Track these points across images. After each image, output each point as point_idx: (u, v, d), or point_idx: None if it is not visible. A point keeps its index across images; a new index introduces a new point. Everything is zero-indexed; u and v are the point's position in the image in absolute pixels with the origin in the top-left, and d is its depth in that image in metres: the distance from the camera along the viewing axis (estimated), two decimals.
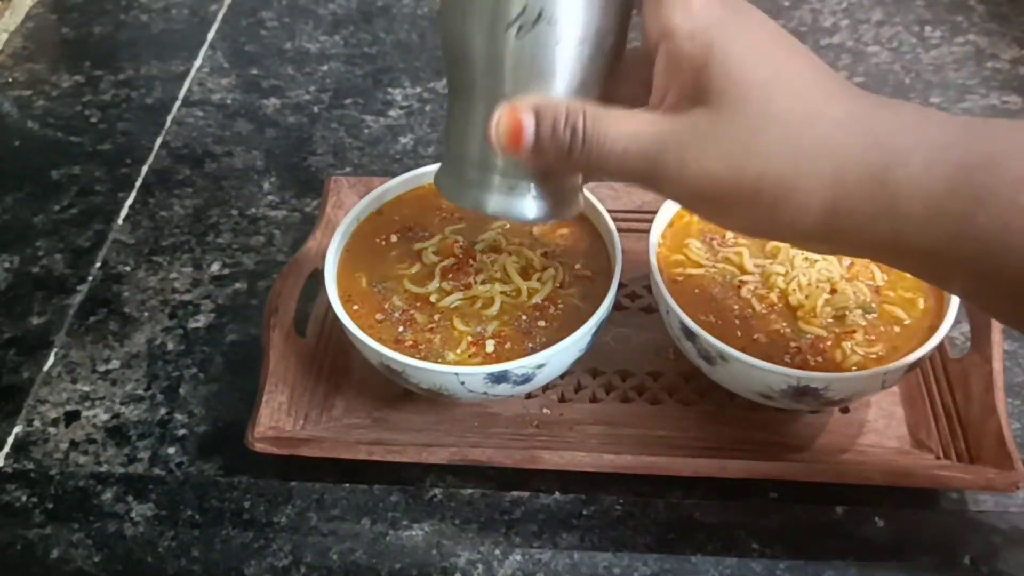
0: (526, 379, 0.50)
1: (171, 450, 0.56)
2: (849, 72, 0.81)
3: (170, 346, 0.62)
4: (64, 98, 0.83)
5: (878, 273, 0.54)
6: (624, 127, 0.37)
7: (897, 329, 0.52)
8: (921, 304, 0.53)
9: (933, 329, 0.50)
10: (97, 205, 0.72)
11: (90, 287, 0.66)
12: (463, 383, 0.50)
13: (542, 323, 0.52)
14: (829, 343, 0.51)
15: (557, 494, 0.52)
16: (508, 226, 0.58)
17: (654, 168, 0.37)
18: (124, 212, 0.72)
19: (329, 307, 0.53)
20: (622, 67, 0.42)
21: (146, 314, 0.64)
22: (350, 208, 0.58)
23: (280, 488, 0.53)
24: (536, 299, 0.53)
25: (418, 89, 0.82)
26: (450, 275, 0.54)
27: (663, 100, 0.38)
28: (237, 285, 0.66)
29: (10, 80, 0.85)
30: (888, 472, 0.50)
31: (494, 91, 0.40)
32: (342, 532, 0.51)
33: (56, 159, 0.77)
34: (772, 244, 0.56)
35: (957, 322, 0.51)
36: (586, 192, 0.57)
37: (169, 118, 0.80)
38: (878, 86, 0.80)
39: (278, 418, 0.54)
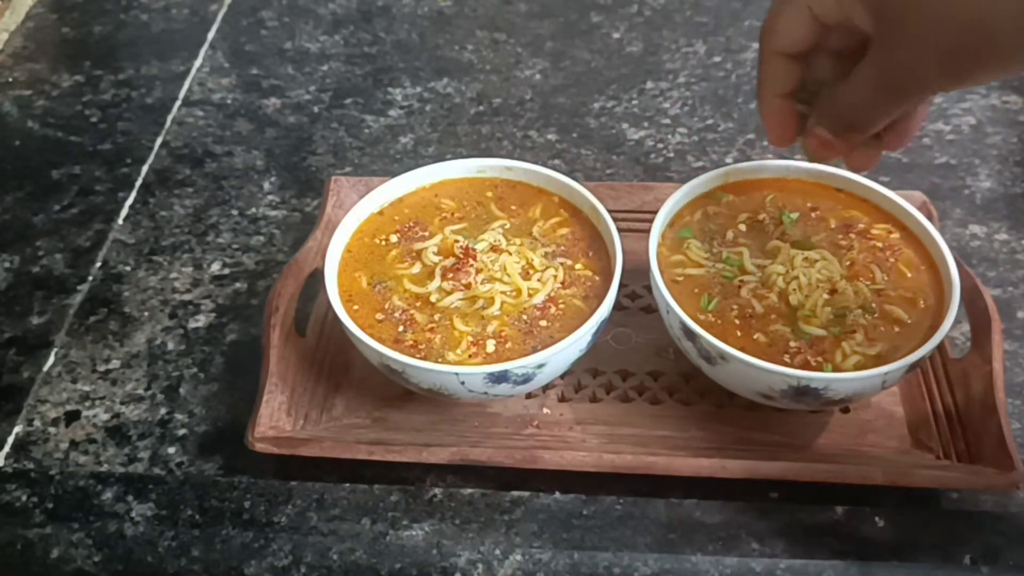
0: (526, 379, 0.50)
1: (171, 450, 0.56)
2: None
3: (170, 346, 0.62)
4: (64, 98, 0.83)
5: (878, 273, 0.54)
6: None
7: (897, 329, 0.52)
8: (921, 304, 0.53)
9: (933, 329, 0.50)
10: (97, 205, 0.72)
11: (90, 287, 0.66)
12: (463, 383, 0.50)
13: (543, 323, 0.52)
14: (829, 343, 0.51)
15: (557, 494, 0.52)
16: (508, 226, 0.58)
17: None
18: (124, 212, 0.72)
19: (329, 307, 0.53)
20: None
21: (146, 314, 0.64)
22: (350, 208, 0.58)
23: (280, 488, 0.53)
24: (536, 299, 0.53)
25: (418, 89, 0.82)
26: (450, 275, 0.54)
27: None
28: (237, 285, 0.66)
29: (10, 80, 0.85)
30: (888, 472, 0.50)
31: None
32: (342, 532, 0.51)
33: (56, 159, 0.77)
34: (772, 244, 0.56)
35: (957, 322, 0.51)
36: (586, 192, 0.58)
37: (169, 118, 0.80)
38: None
39: (278, 418, 0.54)
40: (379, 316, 0.53)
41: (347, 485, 0.53)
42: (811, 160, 0.50)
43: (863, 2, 0.39)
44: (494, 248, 0.55)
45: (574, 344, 0.50)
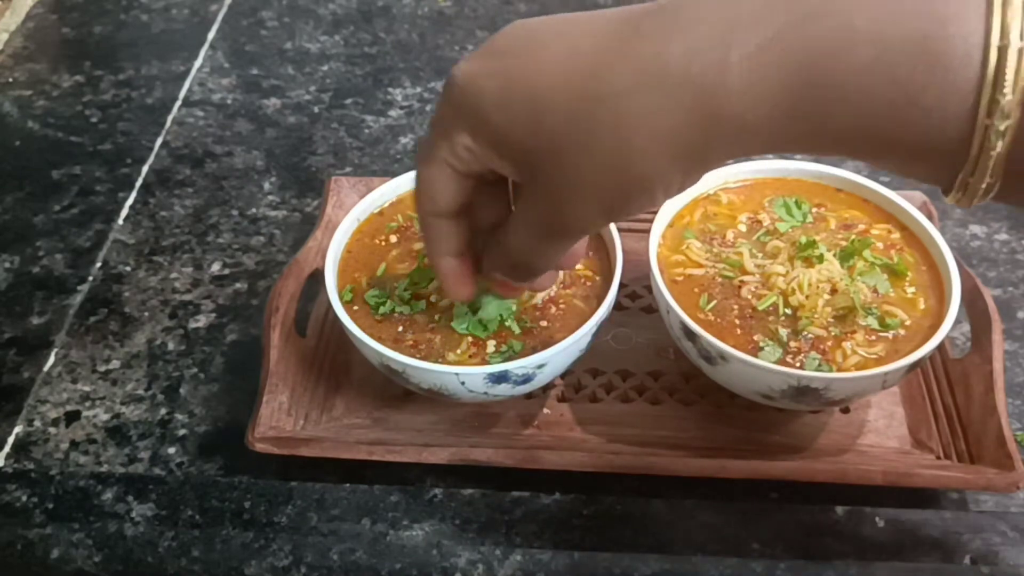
0: (526, 379, 0.50)
1: (171, 450, 0.56)
2: None
3: (170, 346, 0.62)
4: (64, 98, 0.83)
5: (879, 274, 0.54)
6: None
7: (897, 329, 0.52)
8: (921, 304, 0.53)
9: (933, 329, 0.50)
10: (97, 205, 0.72)
11: (90, 287, 0.66)
12: (463, 383, 0.50)
13: (543, 323, 0.52)
14: (829, 343, 0.51)
15: (557, 494, 0.52)
16: None
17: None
18: (124, 212, 0.72)
19: (329, 307, 0.53)
20: None
21: (146, 314, 0.64)
22: (350, 208, 0.58)
23: (280, 488, 0.53)
24: (537, 299, 0.53)
25: (418, 89, 0.82)
26: None
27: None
28: (237, 285, 0.66)
29: (10, 80, 0.85)
30: (888, 472, 0.50)
31: None
32: (342, 532, 0.51)
33: (56, 159, 0.77)
34: (773, 244, 0.56)
35: (957, 322, 0.51)
36: None
37: (169, 118, 0.80)
38: None
39: (278, 418, 0.54)
40: (379, 316, 0.53)
41: (347, 485, 0.53)
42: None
43: (502, 156, 0.36)
44: None
45: (574, 344, 0.50)
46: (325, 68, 0.85)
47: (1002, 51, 0.28)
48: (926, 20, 0.29)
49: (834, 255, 0.54)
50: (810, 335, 0.51)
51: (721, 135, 0.32)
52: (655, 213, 0.56)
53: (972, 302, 0.56)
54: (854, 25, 0.30)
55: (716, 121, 0.32)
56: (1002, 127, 0.28)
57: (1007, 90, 0.28)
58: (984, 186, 0.30)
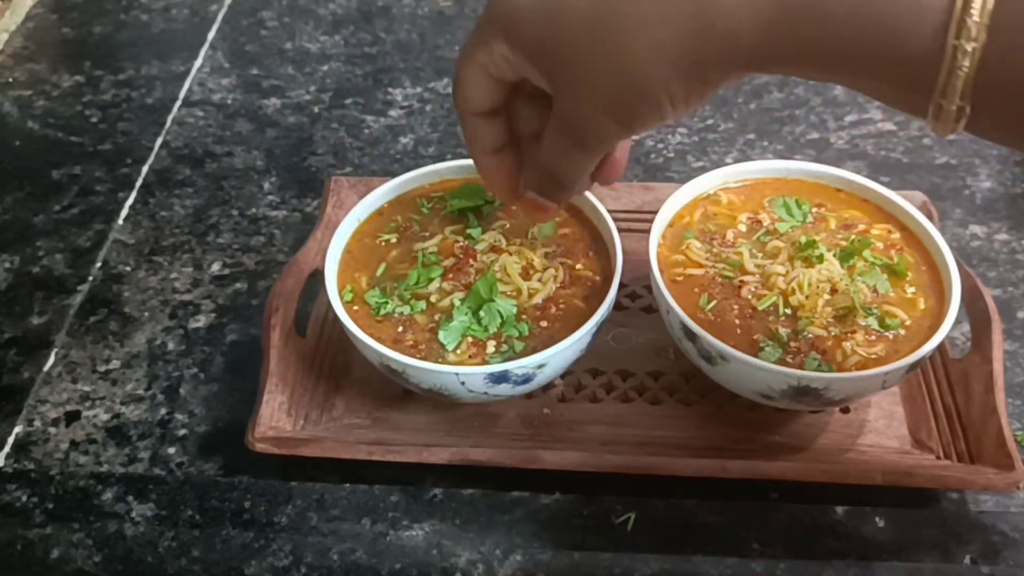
0: (526, 379, 0.50)
1: (171, 450, 0.56)
2: None
3: (170, 346, 0.62)
4: (64, 98, 0.83)
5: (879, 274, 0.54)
6: None
7: (898, 329, 0.52)
8: (921, 304, 0.53)
9: (933, 329, 0.50)
10: (97, 205, 0.72)
11: (90, 287, 0.66)
12: (463, 383, 0.50)
13: (543, 323, 0.52)
14: (829, 343, 0.51)
15: (557, 494, 0.52)
16: (508, 226, 0.58)
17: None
18: (124, 212, 0.72)
19: (329, 307, 0.53)
20: None
21: (146, 314, 0.64)
22: (350, 208, 0.58)
23: (280, 488, 0.53)
24: (537, 299, 0.53)
25: (418, 89, 0.82)
26: (450, 275, 0.54)
27: None
28: (237, 285, 0.66)
29: (10, 80, 0.85)
30: (888, 472, 0.50)
31: None
32: (342, 532, 0.51)
33: (56, 159, 0.77)
34: (773, 244, 0.56)
35: (957, 322, 0.51)
36: (586, 192, 0.58)
37: (169, 118, 0.80)
38: None
39: (278, 418, 0.54)
40: (379, 316, 0.53)
41: (347, 485, 0.53)
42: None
43: (533, 63, 0.39)
44: (494, 248, 0.55)
45: (574, 344, 0.50)
46: (325, 68, 0.85)
47: None
48: None
49: (834, 255, 0.54)
50: (810, 335, 0.51)
51: (716, 49, 0.34)
52: (655, 213, 0.56)
53: (972, 302, 0.56)
54: None
55: (711, 34, 0.34)
56: (969, 48, 0.30)
57: (975, 12, 0.30)
58: (955, 109, 0.32)
